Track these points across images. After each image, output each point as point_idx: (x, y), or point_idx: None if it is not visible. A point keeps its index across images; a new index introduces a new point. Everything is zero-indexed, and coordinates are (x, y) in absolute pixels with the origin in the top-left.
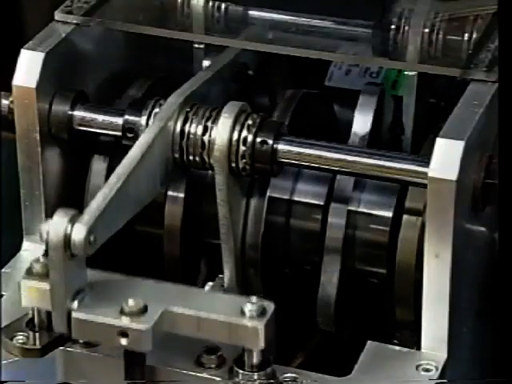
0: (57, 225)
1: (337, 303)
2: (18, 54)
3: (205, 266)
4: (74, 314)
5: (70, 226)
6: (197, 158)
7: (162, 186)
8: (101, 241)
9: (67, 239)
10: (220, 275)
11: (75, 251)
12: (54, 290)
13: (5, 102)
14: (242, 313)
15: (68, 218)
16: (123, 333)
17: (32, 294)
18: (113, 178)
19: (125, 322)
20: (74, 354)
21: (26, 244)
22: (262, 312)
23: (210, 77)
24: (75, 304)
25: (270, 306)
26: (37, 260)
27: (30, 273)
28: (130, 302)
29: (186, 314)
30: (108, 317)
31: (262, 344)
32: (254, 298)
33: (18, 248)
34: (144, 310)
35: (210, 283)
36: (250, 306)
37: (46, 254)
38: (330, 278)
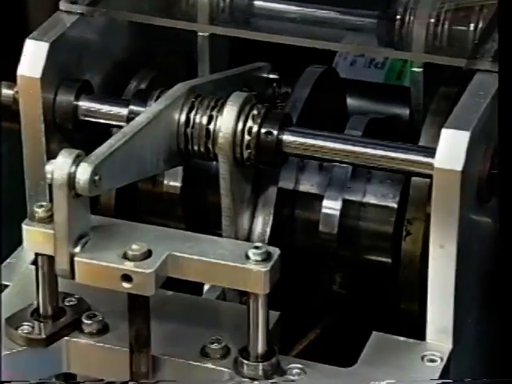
0: (61, 164)
1: (343, 294)
2: (22, 44)
3: None
4: (77, 258)
5: (74, 165)
6: (201, 148)
7: (164, 167)
8: (105, 185)
9: (72, 178)
10: None
11: (80, 190)
12: (57, 232)
13: (10, 92)
14: (247, 257)
15: (73, 157)
16: (127, 276)
17: (35, 239)
18: (119, 134)
19: (128, 265)
20: (79, 344)
21: None
22: (266, 257)
23: (221, 78)
24: (78, 248)
25: (275, 251)
26: (39, 205)
27: (32, 218)
28: (134, 246)
29: (190, 258)
30: (111, 261)
31: (266, 288)
32: (258, 244)
33: (20, 239)
34: (148, 254)
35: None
36: (255, 250)
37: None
38: (335, 270)
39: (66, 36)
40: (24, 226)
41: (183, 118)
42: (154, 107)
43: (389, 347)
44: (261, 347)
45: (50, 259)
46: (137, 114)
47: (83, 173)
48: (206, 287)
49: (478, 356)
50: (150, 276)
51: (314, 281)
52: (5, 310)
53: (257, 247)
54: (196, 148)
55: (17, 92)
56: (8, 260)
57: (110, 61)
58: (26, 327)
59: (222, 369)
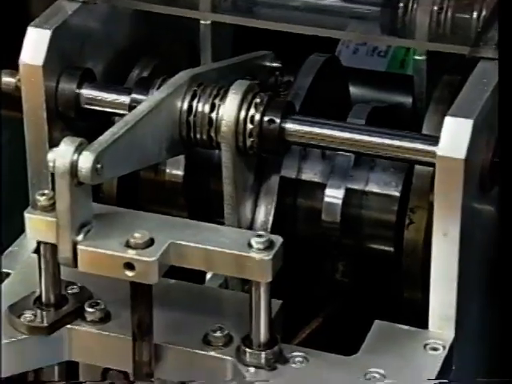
0: (64, 152)
1: (346, 283)
2: (24, 32)
3: None
4: (80, 246)
5: (76, 153)
6: (204, 136)
7: (166, 155)
8: (107, 173)
9: (74, 166)
10: None
11: (82, 179)
12: (60, 221)
13: (12, 80)
14: (250, 246)
15: (75, 145)
16: (129, 264)
17: (37, 227)
18: (121, 122)
19: (131, 253)
20: (81, 333)
21: None
22: (269, 245)
23: (224, 66)
24: (81, 236)
25: (278, 240)
26: (42, 193)
27: (34, 206)
28: (136, 234)
29: (193, 246)
30: (114, 249)
31: (269, 276)
32: (261, 232)
33: (22, 228)
34: (150, 242)
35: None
36: (258, 238)
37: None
38: (338, 259)
39: (67, 24)
40: (26, 215)
41: (185, 106)
42: (156, 95)
43: (391, 335)
44: (263, 335)
45: (53, 247)
46: (139, 102)
47: (85, 161)
48: (208, 275)
49: (481, 344)
50: (153, 264)
51: (316, 269)
52: (7, 298)
53: (259, 235)
54: (198, 136)
55: (19, 80)
56: (10, 248)
57: (112, 49)
58: (28, 315)
59: (224, 357)
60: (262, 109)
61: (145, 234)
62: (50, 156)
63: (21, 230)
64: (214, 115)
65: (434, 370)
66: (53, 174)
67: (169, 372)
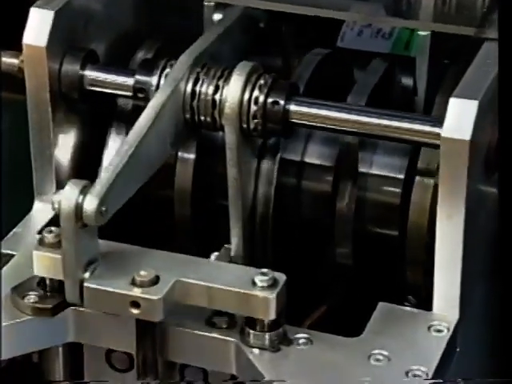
0: (68, 195)
1: (350, 266)
2: (27, 13)
3: (216, 228)
4: (86, 284)
5: (81, 196)
6: (208, 118)
7: (172, 148)
8: (112, 210)
9: (79, 210)
10: (226, 245)
11: (87, 221)
12: (66, 260)
13: (15, 61)
14: (254, 283)
15: (79, 188)
16: (135, 303)
17: (44, 264)
18: (124, 146)
19: (136, 292)
20: (85, 314)
21: (36, 204)
22: (273, 283)
23: (221, 33)
24: (87, 274)
25: (282, 278)
26: (49, 230)
27: (42, 243)
28: (142, 272)
29: (198, 284)
30: (120, 287)
31: (272, 314)
32: (265, 270)
33: (27, 210)
34: (156, 280)
35: (216, 253)
36: (262, 276)
37: (54, 223)
38: (342, 242)
39: (71, 4)
40: (34, 252)
41: (189, 88)
42: (157, 99)
43: (395, 317)
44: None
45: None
46: (143, 83)
47: (90, 204)
48: (213, 256)
49: (485, 327)
50: (158, 302)
51: (319, 253)
52: (11, 279)
53: (263, 273)
54: (202, 118)
55: (22, 61)
56: (14, 230)
57: (115, 30)
58: (32, 297)
59: (228, 338)
60: (266, 90)
61: (150, 271)
62: (55, 198)
63: (26, 211)
64: (217, 97)
65: (439, 352)
66: (58, 215)
67: (173, 353)
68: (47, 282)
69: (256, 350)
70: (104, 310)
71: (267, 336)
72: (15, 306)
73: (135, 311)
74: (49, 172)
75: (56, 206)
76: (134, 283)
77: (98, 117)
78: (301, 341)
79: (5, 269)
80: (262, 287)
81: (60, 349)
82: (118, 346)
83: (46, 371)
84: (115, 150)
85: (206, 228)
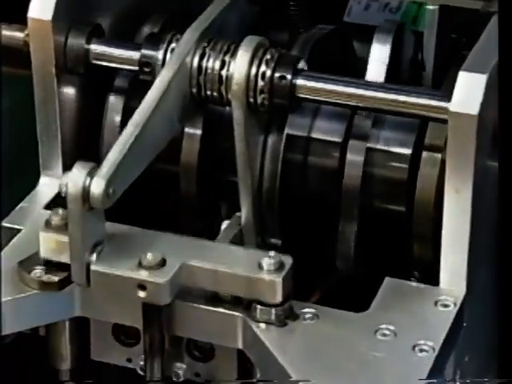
0: (75, 178)
1: (356, 242)
2: None
3: (222, 204)
4: (93, 267)
5: (88, 179)
6: (214, 93)
7: (179, 123)
8: (119, 192)
9: (86, 192)
10: (237, 213)
11: (94, 204)
12: (72, 243)
13: (20, 34)
14: (260, 267)
15: (86, 171)
16: (141, 286)
17: (51, 246)
18: (130, 127)
19: (143, 275)
20: (91, 289)
21: (42, 179)
22: (279, 266)
23: (227, 5)
24: (94, 257)
25: (288, 261)
26: (55, 212)
27: (48, 224)
28: (149, 255)
29: (204, 267)
30: (126, 270)
31: (279, 298)
32: (271, 253)
33: (32, 185)
34: (162, 263)
35: (227, 221)
36: (268, 260)
37: (60, 198)
38: (349, 218)
39: None
40: (40, 233)
41: (195, 65)
42: (163, 76)
43: (402, 292)
44: None
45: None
46: (148, 57)
47: (97, 187)
48: (224, 224)
49: (490, 303)
50: (165, 285)
51: (326, 228)
52: (18, 253)
53: (270, 256)
54: (209, 93)
55: (27, 35)
56: (21, 204)
57: (121, 4)
58: (38, 271)
59: (234, 313)
60: (272, 65)
61: (157, 254)
62: (62, 181)
63: (32, 186)
64: (224, 72)
65: (445, 327)
66: (65, 197)
67: (179, 328)
68: None
69: (262, 325)
70: (111, 292)
71: (274, 311)
72: (22, 280)
73: (142, 294)
74: (54, 147)
75: (63, 188)
76: (140, 266)
77: (103, 91)
78: (307, 316)
79: (11, 243)
80: (269, 270)
81: (67, 323)
82: (125, 321)
83: (53, 345)
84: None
85: (212, 204)
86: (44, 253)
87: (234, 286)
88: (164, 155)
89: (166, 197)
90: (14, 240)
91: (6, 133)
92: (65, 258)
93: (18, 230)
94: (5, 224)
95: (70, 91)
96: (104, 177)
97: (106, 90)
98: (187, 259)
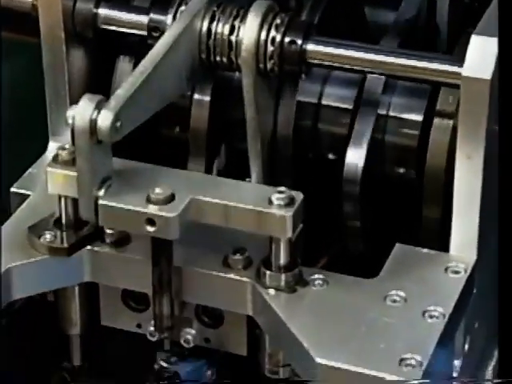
0: (83, 110)
1: (361, 199)
2: None
3: (232, 170)
4: (101, 201)
5: (96, 111)
6: (224, 59)
7: (188, 84)
8: (127, 129)
9: (93, 125)
10: (247, 179)
11: (101, 137)
12: (80, 177)
13: None
14: (270, 202)
15: (94, 103)
16: (150, 220)
17: (58, 181)
18: (139, 68)
19: (152, 209)
20: (101, 254)
21: (51, 145)
22: (290, 201)
23: None
24: (102, 191)
25: (299, 196)
26: (63, 147)
27: (56, 160)
28: (157, 189)
29: (214, 202)
30: (135, 204)
31: (289, 233)
32: (282, 188)
33: (41, 151)
34: (171, 198)
35: None
36: (278, 195)
37: (72, 141)
38: (353, 174)
39: None
40: (48, 169)
41: (205, 29)
42: (171, 31)
43: (412, 259)
44: (283, 258)
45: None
46: (157, 22)
47: (104, 120)
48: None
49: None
50: (174, 220)
51: (336, 194)
52: (28, 218)
53: (280, 192)
54: (218, 59)
55: None
56: (29, 170)
57: None
58: (48, 236)
59: (243, 279)
60: (282, 30)
61: (166, 189)
62: (70, 113)
63: (40, 152)
64: (233, 37)
65: (456, 293)
66: (72, 130)
67: (189, 294)
68: (63, 221)
69: (272, 291)
70: (119, 227)
71: (283, 277)
72: (31, 245)
73: (150, 229)
74: (63, 113)
75: (70, 121)
76: (149, 201)
77: (112, 55)
78: (317, 282)
79: (21, 208)
80: (279, 205)
81: (76, 288)
82: (134, 287)
83: (63, 311)
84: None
85: (221, 171)
86: (52, 189)
87: (244, 221)
88: (173, 121)
89: (175, 164)
90: (24, 205)
91: (15, 98)
92: (73, 193)
93: (27, 196)
94: (14, 190)
95: (78, 56)
96: (112, 110)
97: (115, 55)
98: (196, 194)
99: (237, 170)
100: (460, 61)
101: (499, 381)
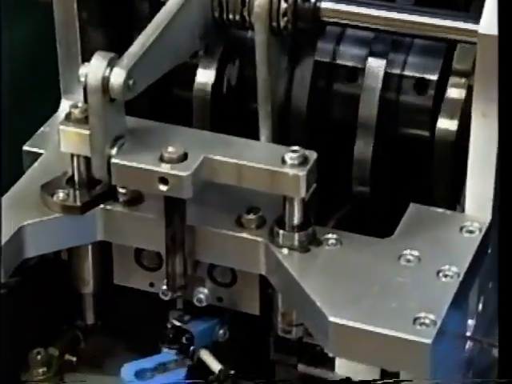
0: (95, 68)
1: (373, 164)
2: None
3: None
4: (114, 160)
5: (108, 69)
6: (237, 16)
7: (201, 43)
8: (139, 87)
9: (106, 83)
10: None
11: (114, 95)
12: (93, 135)
13: None
14: (283, 161)
15: (107, 61)
16: (163, 179)
17: (71, 140)
18: (151, 26)
19: (165, 168)
20: (113, 213)
21: (63, 103)
22: (303, 160)
23: None
24: (115, 150)
25: (312, 155)
26: (75, 105)
27: (68, 118)
28: (170, 148)
29: (227, 161)
30: (148, 163)
31: (303, 192)
32: (295, 147)
33: (54, 109)
34: (184, 157)
35: None
36: (292, 154)
37: (84, 99)
38: (364, 142)
39: None
40: (60, 127)
41: None
42: None
43: (427, 218)
44: (297, 217)
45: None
46: None
47: (117, 78)
48: None
49: None
50: (187, 179)
51: (349, 153)
52: (40, 176)
53: (294, 151)
54: (231, 17)
55: None
56: (42, 128)
57: None
58: (61, 194)
59: (257, 238)
60: None
61: (179, 148)
62: (82, 70)
63: (53, 110)
64: None
65: (470, 253)
66: (85, 88)
67: (202, 253)
68: (76, 179)
69: (285, 250)
70: (132, 186)
71: (296, 236)
72: (44, 203)
73: (163, 188)
74: (75, 71)
75: (83, 79)
76: (162, 159)
77: (124, 14)
78: (330, 241)
79: (33, 166)
80: (292, 165)
81: (89, 247)
82: (147, 246)
83: (76, 270)
84: None
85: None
86: (64, 147)
87: (257, 180)
88: (182, 82)
89: (183, 124)
90: (36, 164)
91: (27, 57)
92: (85, 152)
93: (40, 154)
94: (27, 148)
95: (89, 15)
96: (124, 67)
97: (128, 14)
98: (209, 153)
99: (246, 133)
100: (476, 18)
101: (499, 381)
